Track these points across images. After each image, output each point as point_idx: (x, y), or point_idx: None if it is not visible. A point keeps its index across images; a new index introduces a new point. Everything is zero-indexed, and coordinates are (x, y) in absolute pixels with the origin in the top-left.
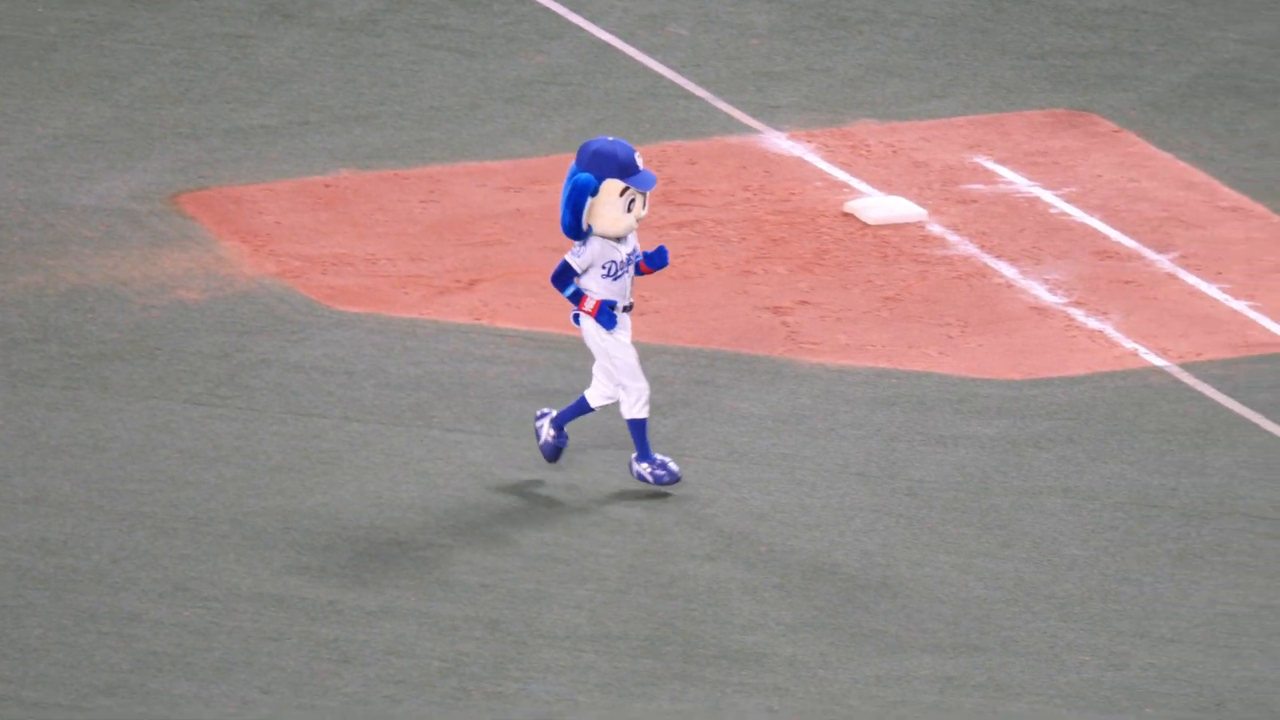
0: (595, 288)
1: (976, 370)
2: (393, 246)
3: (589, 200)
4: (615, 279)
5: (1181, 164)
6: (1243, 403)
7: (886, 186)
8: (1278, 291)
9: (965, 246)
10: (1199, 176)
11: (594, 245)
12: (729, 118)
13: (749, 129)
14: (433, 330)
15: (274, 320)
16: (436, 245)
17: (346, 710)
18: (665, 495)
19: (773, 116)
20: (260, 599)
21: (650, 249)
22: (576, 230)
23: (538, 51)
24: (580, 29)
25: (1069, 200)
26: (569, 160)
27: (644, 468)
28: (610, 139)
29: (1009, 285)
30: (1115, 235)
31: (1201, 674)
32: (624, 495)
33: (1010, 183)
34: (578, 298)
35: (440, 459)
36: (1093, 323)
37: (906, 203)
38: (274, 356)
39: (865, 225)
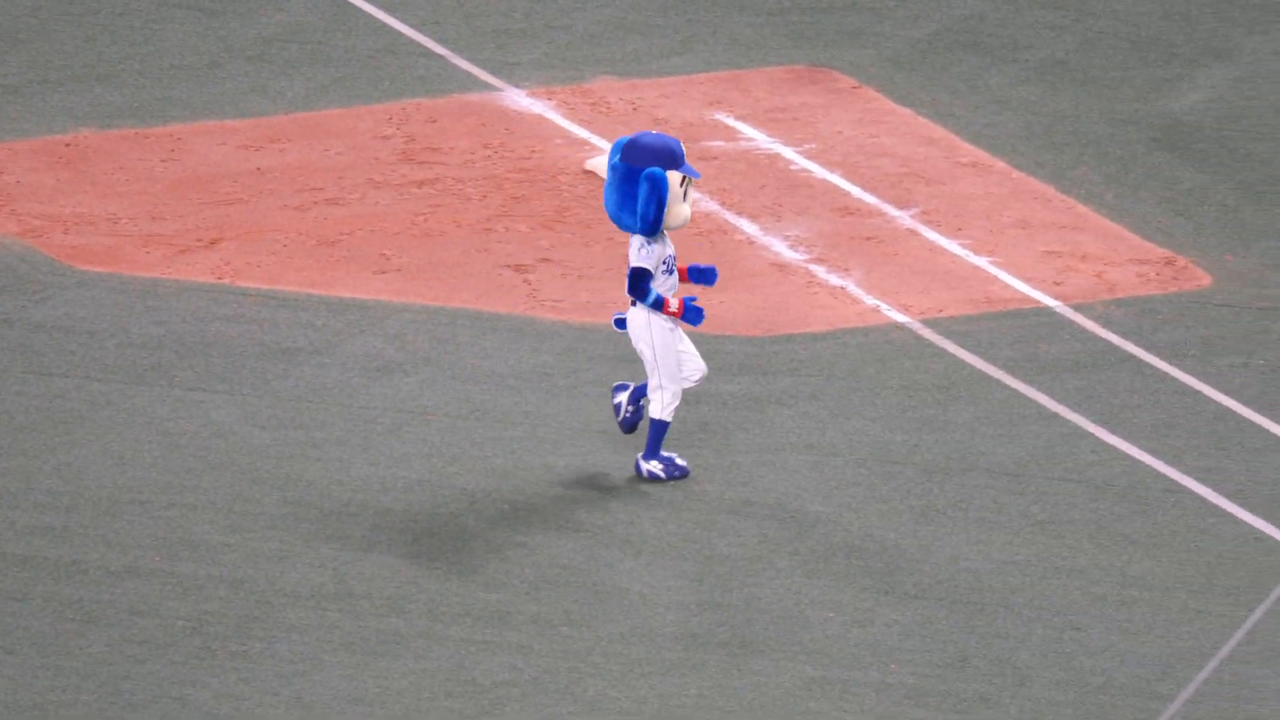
0: (661, 286)
1: (718, 327)
2: (134, 205)
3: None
4: (671, 274)
5: (921, 120)
6: (984, 359)
7: None
8: (1018, 247)
9: (706, 204)
10: (938, 132)
11: (658, 242)
12: (469, 75)
13: (489, 86)
14: (174, 289)
15: (15, 280)
16: (178, 204)
17: (90, 670)
18: (408, 454)
19: (512, 74)
20: (3, 559)
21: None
22: (659, 225)
23: (277, 9)
24: None
25: (809, 157)
26: (312, 118)
27: (654, 465)
28: (653, 132)
29: (750, 242)
30: (856, 191)
31: (945, 630)
32: (368, 455)
33: (750, 139)
34: (660, 303)
35: (183, 418)
36: (834, 279)
37: None
38: (15, 316)
39: None
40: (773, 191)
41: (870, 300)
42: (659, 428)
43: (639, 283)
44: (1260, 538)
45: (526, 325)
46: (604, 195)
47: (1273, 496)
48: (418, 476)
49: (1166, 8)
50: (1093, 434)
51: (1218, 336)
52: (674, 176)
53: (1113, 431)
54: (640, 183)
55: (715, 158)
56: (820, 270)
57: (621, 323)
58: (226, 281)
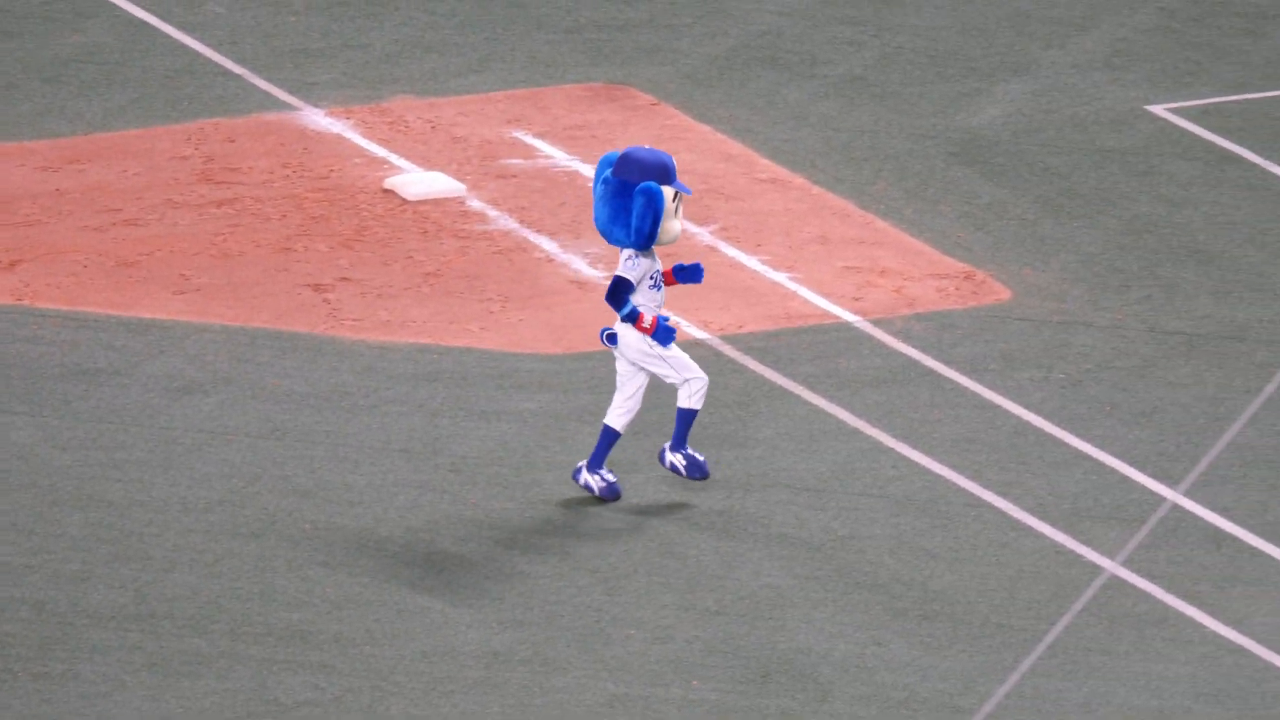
0: (643, 300)
1: (518, 345)
2: None
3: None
4: (658, 289)
5: (720, 136)
6: (784, 374)
7: (426, 162)
8: (817, 263)
9: (505, 221)
10: (737, 148)
11: (646, 256)
12: (267, 95)
13: (288, 106)
14: None
15: None
16: None
17: None
18: (209, 474)
19: (311, 93)
20: None
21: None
22: (653, 239)
23: (74, 30)
24: (117, 7)
25: None
26: (110, 139)
27: (678, 459)
28: (645, 147)
29: (549, 260)
30: None
31: (746, 646)
32: (169, 475)
33: (549, 157)
34: (635, 316)
35: None
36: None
37: (446, 178)
38: None
39: (405, 201)
40: (572, 209)
41: (673, 317)
42: (687, 417)
43: (620, 293)
44: (1061, 551)
45: (326, 344)
46: (595, 209)
47: (1073, 510)
48: (219, 496)
49: (964, 23)
50: (893, 449)
51: (1017, 350)
52: (667, 191)
53: (913, 446)
54: (635, 197)
55: (514, 176)
56: None
57: (613, 338)
58: (26, 303)
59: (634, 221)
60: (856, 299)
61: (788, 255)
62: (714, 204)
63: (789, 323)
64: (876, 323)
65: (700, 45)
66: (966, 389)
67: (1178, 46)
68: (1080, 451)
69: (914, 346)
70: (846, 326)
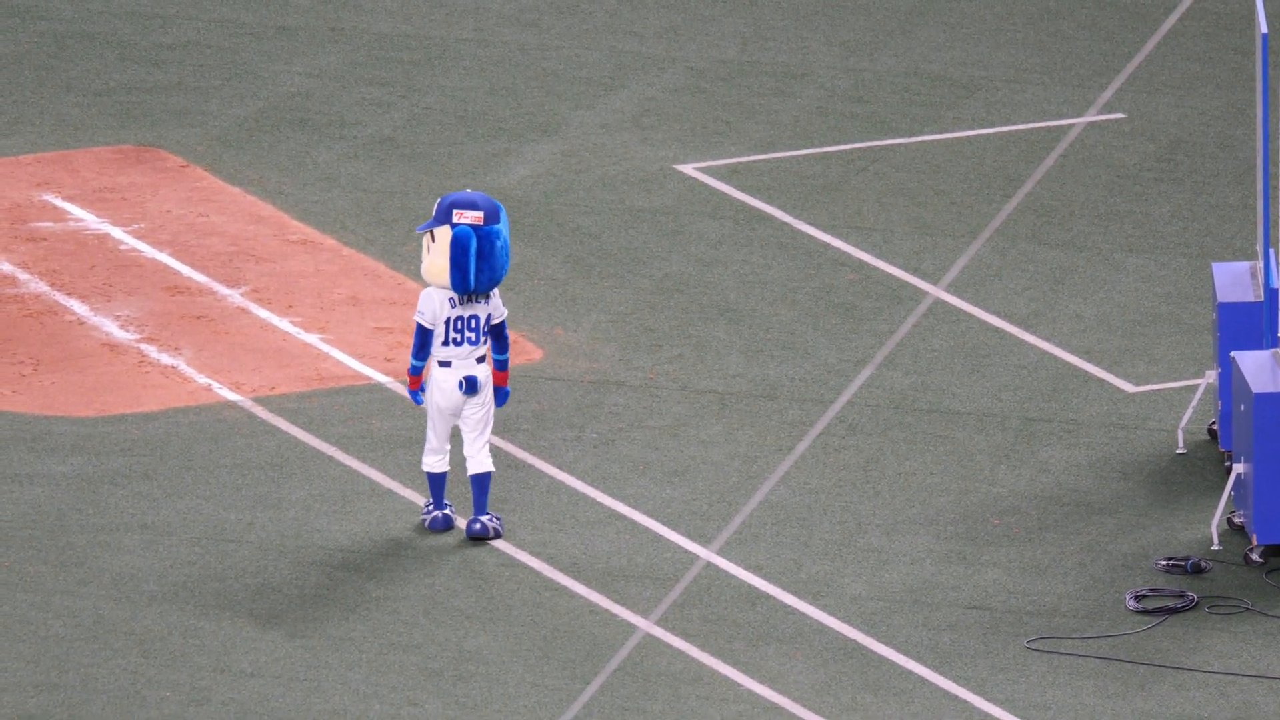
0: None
1: (50, 408)
2: None
3: None
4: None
5: (250, 198)
6: (317, 435)
7: None
8: (348, 324)
9: (36, 284)
10: (268, 210)
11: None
12: None
13: None
14: None
15: None
16: None
17: None
18: None
19: None
20: None
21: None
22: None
23: None
24: None
25: (138, 236)
26: None
27: (485, 520)
28: (468, 191)
29: (81, 322)
30: (186, 270)
31: (282, 708)
32: None
33: (79, 220)
34: (506, 365)
35: None
36: (165, 359)
37: None
38: None
39: None
40: (103, 271)
41: (202, 379)
42: (488, 478)
43: (506, 339)
44: (595, 610)
45: None
46: (466, 268)
47: (607, 569)
48: None
49: (493, 83)
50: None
51: (549, 410)
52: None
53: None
54: (467, 244)
55: (44, 239)
56: (152, 350)
57: (473, 381)
58: None
59: (497, 262)
60: (389, 359)
61: (319, 316)
62: (245, 266)
63: (321, 384)
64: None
65: (229, 107)
66: (499, 447)
67: (707, 106)
68: (614, 511)
69: None
70: (379, 387)
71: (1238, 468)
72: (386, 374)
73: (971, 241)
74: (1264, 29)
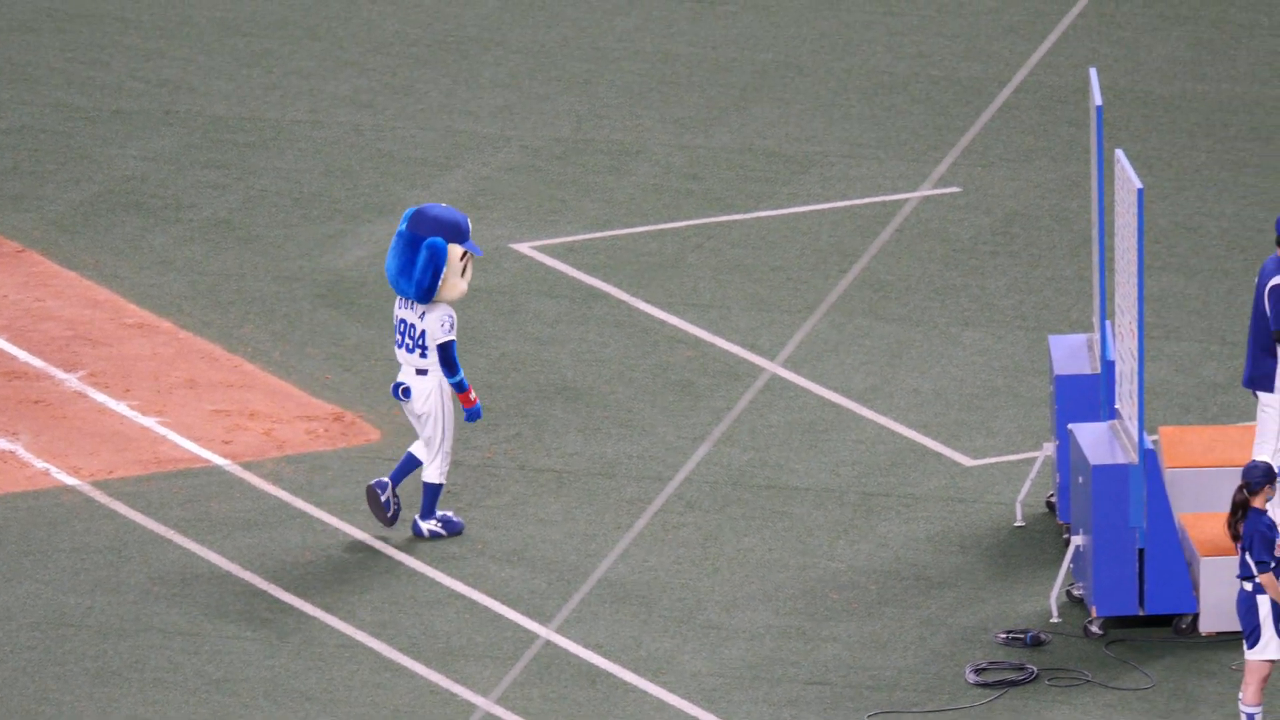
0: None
1: None
2: None
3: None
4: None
5: (87, 282)
6: (155, 519)
7: None
8: (185, 407)
9: None
10: (104, 294)
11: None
12: None
13: None
14: None
15: None
16: None
17: None
18: None
19: None
20: None
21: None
22: (432, 294)
23: None
24: None
25: None
26: None
27: (434, 524)
28: (442, 205)
29: None
30: (23, 355)
31: None
32: None
33: None
34: (465, 388)
35: None
36: (3, 443)
37: None
38: None
39: None
40: None
41: (40, 464)
42: (436, 491)
43: (453, 359)
44: (435, 690)
45: None
46: (387, 259)
47: (447, 649)
48: None
49: (328, 165)
50: (266, 591)
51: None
52: (455, 250)
53: (284, 589)
54: (421, 250)
55: None
56: None
57: (407, 391)
58: None
59: (416, 274)
60: (226, 442)
61: (156, 400)
62: (81, 350)
63: (159, 467)
64: (247, 466)
65: (65, 191)
66: (339, 530)
67: (542, 184)
68: (453, 590)
69: (285, 489)
70: (217, 470)
71: (1076, 540)
72: (225, 456)
73: (808, 317)
74: (1098, 101)
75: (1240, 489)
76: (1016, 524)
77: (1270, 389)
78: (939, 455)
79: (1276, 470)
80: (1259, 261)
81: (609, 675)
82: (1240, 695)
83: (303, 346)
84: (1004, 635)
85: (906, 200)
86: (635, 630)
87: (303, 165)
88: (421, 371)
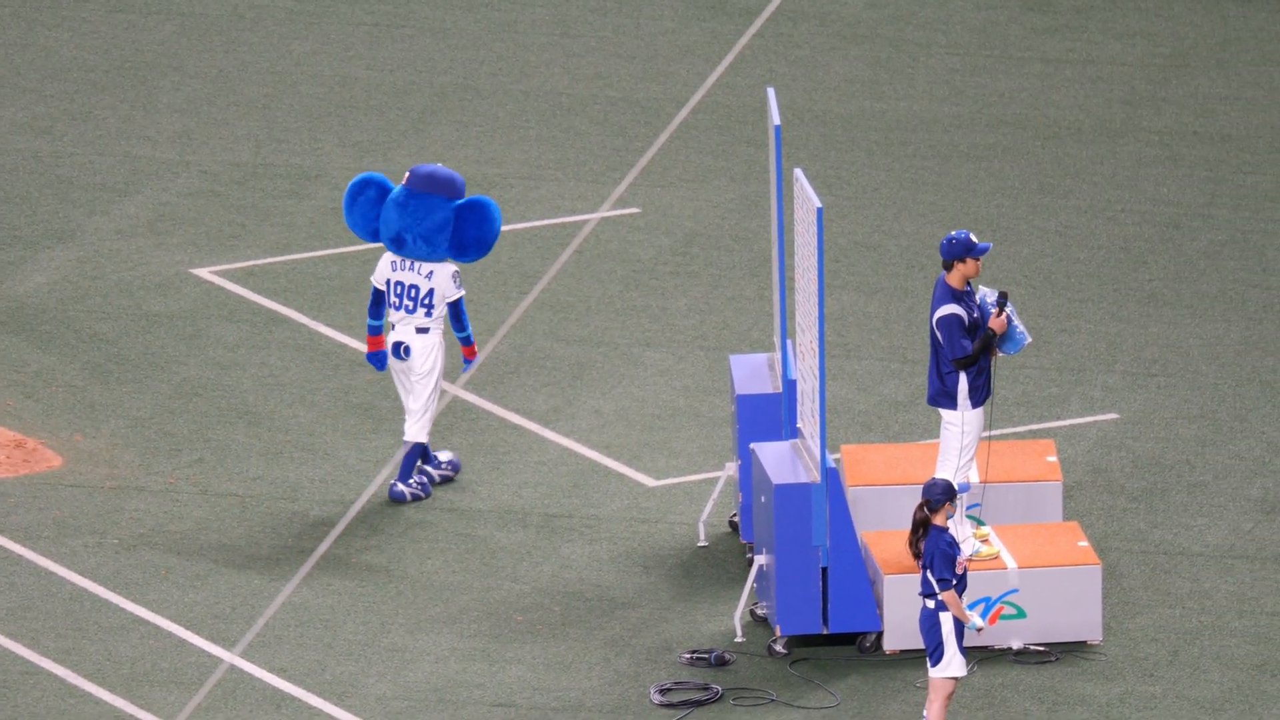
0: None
1: None
2: None
3: None
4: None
5: None
6: None
7: None
8: None
9: None
10: None
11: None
12: None
13: None
14: None
15: None
16: None
17: None
18: None
19: None
20: None
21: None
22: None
23: None
24: None
25: None
26: None
27: (410, 488)
28: (439, 165)
29: None
30: None
31: None
32: None
33: None
34: (472, 339)
35: None
36: None
37: None
38: None
39: None
40: None
41: None
42: (418, 450)
43: (463, 311)
44: (120, 716)
45: None
46: (385, 221)
47: (131, 674)
48: None
49: (6, 191)
50: None
51: (70, 517)
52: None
53: None
54: (468, 211)
55: None
56: None
57: (406, 350)
58: None
59: (458, 233)
60: None
61: None
62: None
63: None
64: None
65: None
66: (22, 557)
67: (221, 210)
68: (137, 616)
69: None
70: None
71: (759, 559)
72: None
73: (489, 339)
74: (777, 121)
75: (921, 507)
76: (700, 544)
77: (952, 406)
78: (622, 476)
79: (957, 488)
80: None
81: (294, 699)
82: (924, 713)
83: None
84: (688, 655)
85: (586, 221)
86: (320, 654)
87: None
88: (422, 330)
